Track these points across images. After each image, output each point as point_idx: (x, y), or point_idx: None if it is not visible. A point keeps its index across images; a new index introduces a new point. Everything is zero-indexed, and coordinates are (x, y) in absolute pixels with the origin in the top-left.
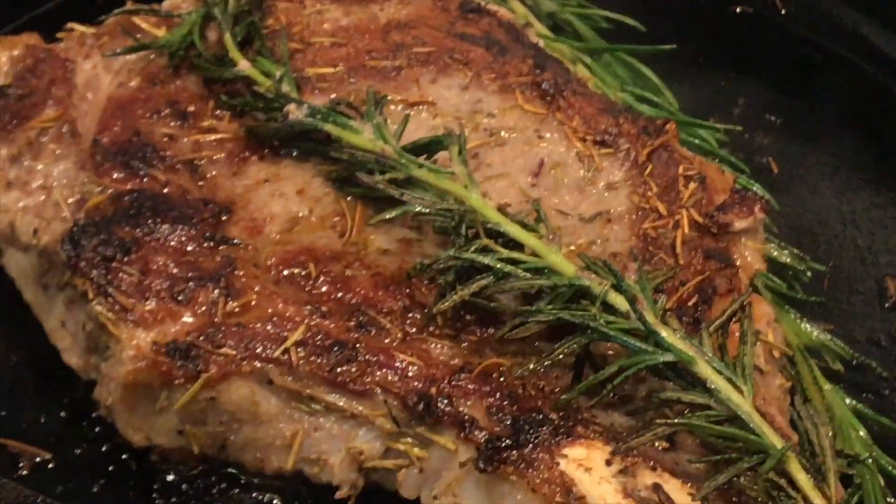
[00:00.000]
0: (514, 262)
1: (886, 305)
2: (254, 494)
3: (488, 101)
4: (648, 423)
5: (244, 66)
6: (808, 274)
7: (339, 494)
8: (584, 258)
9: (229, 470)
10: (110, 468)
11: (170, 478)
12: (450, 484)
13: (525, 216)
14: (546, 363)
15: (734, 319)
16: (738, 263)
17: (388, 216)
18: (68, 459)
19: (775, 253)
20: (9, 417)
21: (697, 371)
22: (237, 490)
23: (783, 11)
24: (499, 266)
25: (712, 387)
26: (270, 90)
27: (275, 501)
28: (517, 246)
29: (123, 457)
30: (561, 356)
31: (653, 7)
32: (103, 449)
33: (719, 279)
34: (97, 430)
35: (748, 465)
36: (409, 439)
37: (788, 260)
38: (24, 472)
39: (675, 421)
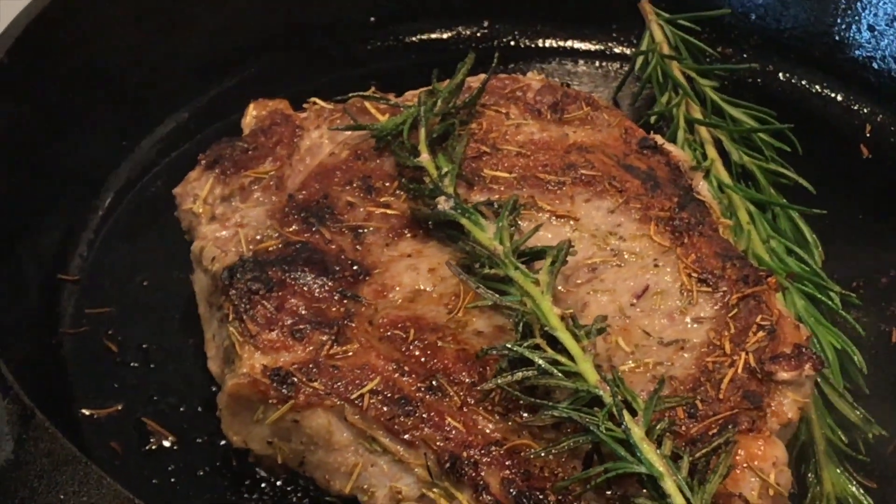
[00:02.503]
0: (554, 362)
1: None
2: None
3: (626, 226)
4: None
5: (424, 158)
6: (871, 436)
7: None
8: (614, 373)
9: (305, 484)
10: (217, 462)
11: (258, 478)
12: None
13: (593, 328)
14: (552, 452)
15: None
16: (771, 408)
17: (478, 304)
18: (188, 445)
19: (846, 411)
20: (157, 400)
21: (664, 486)
22: (306, 501)
23: None
24: (540, 363)
25: (670, 502)
26: (434, 181)
27: None
28: (565, 350)
29: (230, 453)
30: (565, 449)
31: (842, 170)
32: (220, 443)
33: (744, 418)
34: (219, 427)
35: None
36: (439, 490)
37: (855, 419)
38: (151, 448)
39: None
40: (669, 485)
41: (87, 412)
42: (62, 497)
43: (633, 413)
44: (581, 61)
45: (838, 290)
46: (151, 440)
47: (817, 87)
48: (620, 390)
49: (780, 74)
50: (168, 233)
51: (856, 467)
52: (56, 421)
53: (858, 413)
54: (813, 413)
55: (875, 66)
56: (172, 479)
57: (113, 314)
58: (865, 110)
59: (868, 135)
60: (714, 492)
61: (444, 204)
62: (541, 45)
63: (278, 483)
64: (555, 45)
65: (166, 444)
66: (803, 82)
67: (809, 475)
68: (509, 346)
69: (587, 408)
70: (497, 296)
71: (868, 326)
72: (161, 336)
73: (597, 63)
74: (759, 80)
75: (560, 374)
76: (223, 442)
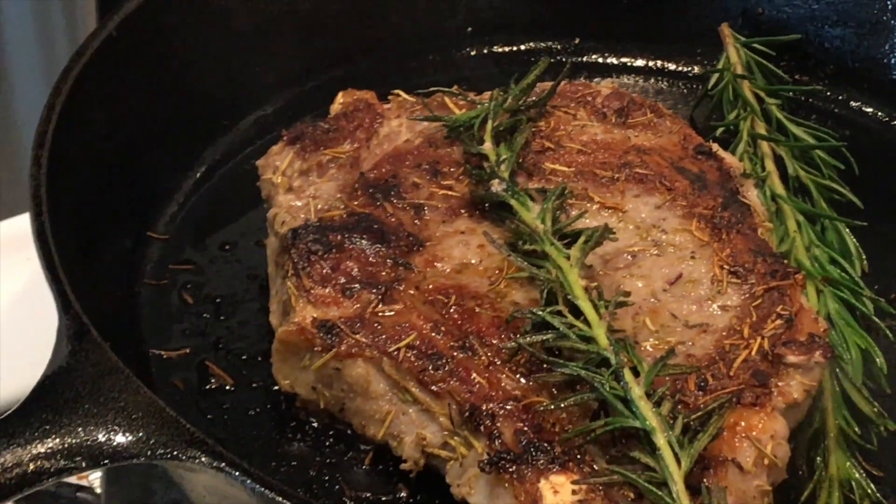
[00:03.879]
0: (571, 327)
1: None
2: (349, 453)
3: (670, 220)
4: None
5: (487, 146)
6: (883, 430)
7: (404, 466)
8: (626, 339)
9: (343, 429)
10: (269, 405)
11: (302, 421)
12: (470, 477)
13: (615, 299)
14: (561, 405)
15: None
16: (778, 388)
17: (516, 276)
18: (244, 388)
19: (861, 404)
20: (222, 348)
21: (655, 440)
22: (342, 445)
23: None
24: (560, 327)
25: (659, 453)
26: (492, 166)
27: (365, 459)
28: (585, 319)
29: (281, 398)
30: (572, 403)
31: None
32: (274, 389)
33: (749, 393)
34: None
35: None
36: (459, 438)
37: (869, 413)
38: (211, 388)
39: (614, 468)
40: (661, 439)
41: (155, 352)
42: (101, 400)
43: (637, 375)
44: (663, 80)
45: (871, 295)
46: (212, 381)
47: (885, 116)
48: (627, 354)
49: (851, 103)
50: (254, 205)
51: (866, 457)
52: (125, 355)
53: (874, 408)
54: (829, 404)
55: None
56: (225, 416)
57: (193, 271)
58: None
59: None
60: (702, 448)
61: (497, 186)
62: (627, 62)
63: (319, 427)
64: (641, 63)
65: (226, 386)
66: (872, 111)
67: (818, 459)
68: (534, 310)
69: (597, 368)
70: (527, 264)
71: None
72: (234, 293)
73: (679, 82)
74: (832, 107)
75: (575, 338)
76: (276, 388)
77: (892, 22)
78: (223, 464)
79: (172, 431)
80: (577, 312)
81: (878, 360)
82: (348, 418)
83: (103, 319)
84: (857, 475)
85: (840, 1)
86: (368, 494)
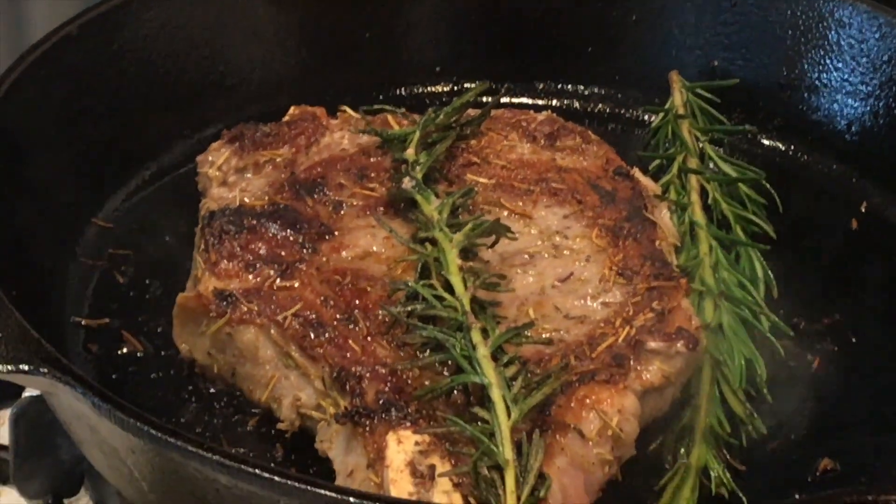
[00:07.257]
0: (441, 299)
1: (809, 479)
2: (237, 416)
3: (574, 228)
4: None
5: (409, 152)
6: (752, 431)
7: (280, 426)
8: (488, 308)
9: (234, 395)
10: (171, 371)
11: (199, 386)
12: (332, 434)
13: (486, 277)
14: (416, 365)
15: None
16: (635, 370)
17: (406, 258)
18: (153, 354)
19: (734, 403)
20: (141, 322)
21: (491, 394)
22: (231, 408)
23: None
24: (429, 298)
25: (492, 404)
26: (408, 167)
27: (250, 421)
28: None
29: (184, 366)
30: (425, 363)
31: (828, 235)
32: (179, 357)
33: (604, 372)
34: None
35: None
36: (330, 400)
37: (739, 412)
38: (122, 352)
39: (450, 418)
40: (496, 393)
41: (75, 319)
42: None
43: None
44: (619, 125)
45: (767, 312)
46: (123, 346)
47: (826, 168)
48: (484, 319)
49: (799, 154)
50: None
51: (733, 455)
52: (39, 316)
53: (747, 410)
54: (703, 403)
55: (880, 151)
56: (127, 378)
57: (131, 257)
58: (866, 190)
59: (862, 210)
60: (537, 406)
61: (407, 183)
62: (588, 108)
63: (214, 392)
64: (599, 109)
65: (136, 353)
66: (816, 163)
67: (682, 450)
68: (407, 282)
69: (454, 332)
70: (414, 245)
71: (795, 355)
72: (166, 278)
73: (634, 129)
74: (777, 159)
75: (441, 307)
76: (181, 356)
77: (834, 83)
78: (69, 377)
79: (31, 349)
80: (451, 289)
81: (759, 368)
82: (239, 383)
83: (22, 282)
84: (715, 464)
85: (786, 57)
86: (245, 450)
